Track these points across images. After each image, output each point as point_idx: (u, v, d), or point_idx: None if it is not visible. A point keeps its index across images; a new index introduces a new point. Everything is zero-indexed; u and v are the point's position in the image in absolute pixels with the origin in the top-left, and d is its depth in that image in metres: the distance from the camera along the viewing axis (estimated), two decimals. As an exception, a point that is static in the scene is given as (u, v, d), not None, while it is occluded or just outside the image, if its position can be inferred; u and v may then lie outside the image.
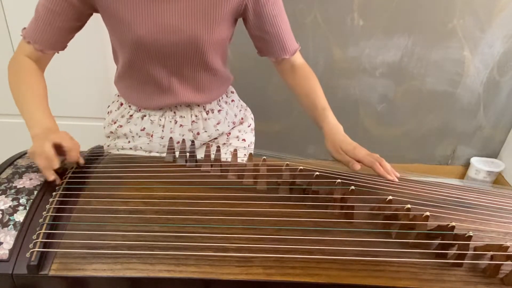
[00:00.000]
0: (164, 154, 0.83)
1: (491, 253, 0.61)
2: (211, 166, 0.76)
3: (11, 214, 0.60)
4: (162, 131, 0.97)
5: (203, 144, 1.01)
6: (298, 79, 0.96)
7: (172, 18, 0.80)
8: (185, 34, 0.82)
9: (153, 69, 0.87)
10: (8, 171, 0.70)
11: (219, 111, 1.01)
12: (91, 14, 0.84)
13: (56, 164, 0.66)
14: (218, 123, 1.01)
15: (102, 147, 0.85)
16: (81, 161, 0.72)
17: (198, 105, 0.98)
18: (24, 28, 0.82)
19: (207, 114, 0.99)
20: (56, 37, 0.81)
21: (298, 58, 0.97)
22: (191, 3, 0.80)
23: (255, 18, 0.87)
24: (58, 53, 0.86)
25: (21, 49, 0.82)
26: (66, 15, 0.79)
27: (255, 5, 0.84)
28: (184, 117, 0.97)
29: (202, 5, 0.81)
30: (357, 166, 0.80)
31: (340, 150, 0.84)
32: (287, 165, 0.74)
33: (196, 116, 0.98)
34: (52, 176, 0.66)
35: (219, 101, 1.02)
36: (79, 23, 0.83)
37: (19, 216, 0.60)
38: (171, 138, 0.82)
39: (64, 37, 0.83)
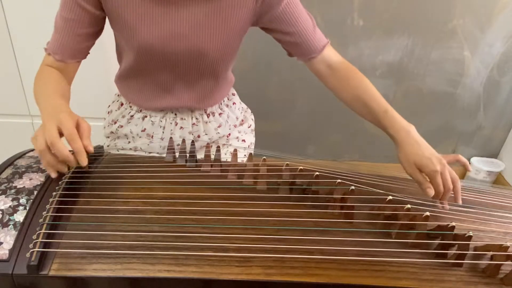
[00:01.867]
0: (164, 155, 0.83)
1: (491, 253, 0.61)
2: (211, 166, 0.76)
3: (11, 214, 0.60)
4: (163, 132, 0.97)
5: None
6: (339, 81, 0.86)
7: (179, 27, 0.79)
8: (192, 43, 0.81)
9: (159, 74, 0.87)
10: (8, 171, 0.70)
11: (220, 114, 1.01)
12: (105, 18, 0.83)
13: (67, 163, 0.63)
14: (219, 126, 1.00)
15: (102, 147, 0.85)
16: (84, 163, 0.63)
17: (200, 108, 0.97)
18: (48, 42, 0.82)
19: (208, 117, 0.98)
20: (75, 45, 0.81)
21: (332, 55, 0.87)
22: (199, 12, 0.79)
23: (272, 23, 0.83)
24: (79, 62, 0.85)
25: (44, 61, 0.83)
26: (82, 22, 0.79)
27: (267, 10, 0.81)
28: (184, 119, 0.97)
29: (210, 15, 0.79)
30: (431, 192, 0.70)
31: (413, 165, 0.72)
32: (287, 165, 0.74)
33: (197, 119, 0.98)
34: (54, 173, 0.65)
35: (221, 104, 1.01)
36: (96, 28, 0.82)
37: (19, 216, 0.60)
38: (171, 138, 0.82)
39: (83, 44, 0.82)
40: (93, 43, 0.85)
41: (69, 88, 0.82)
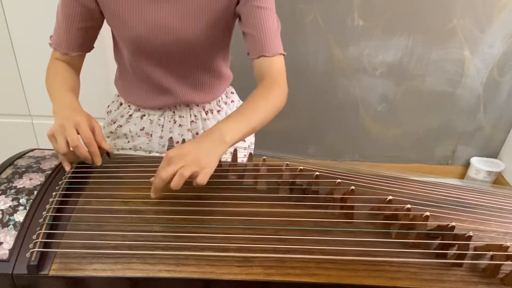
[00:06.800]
0: (164, 154, 0.82)
1: (491, 253, 0.61)
2: (211, 166, 0.76)
3: (11, 214, 0.60)
4: (162, 130, 0.97)
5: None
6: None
7: (166, 19, 0.81)
8: (179, 35, 0.82)
9: (150, 68, 0.88)
10: (8, 171, 0.70)
11: (218, 111, 1.01)
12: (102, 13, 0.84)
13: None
14: (217, 123, 1.01)
15: (102, 147, 0.85)
16: (99, 163, 0.72)
17: (197, 105, 0.98)
18: (51, 36, 0.86)
19: (206, 114, 0.99)
20: (77, 38, 0.84)
21: (275, 71, 0.80)
22: (184, 4, 0.80)
23: (242, 7, 0.81)
24: (84, 54, 0.88)
25: (52, 55, 0.86)
26: (80, 16, 0.81)
27: None
28: (183, 117, 0.97)
29: (195, 7, 0.80)
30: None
31: None
32: (287, 165, 0.74)
33: (195, 116, 0.98)
34: (68, 166, 0.70)
35: (219, 101, 1.02)
36: (93, 22, 0.84)
37: (19, 216, 0.60)
38: (171, 138, 0.82)
39: (85, 38, 0.85)
40: (96, 37, 0.88)
41: (77, 78, 0.87)
